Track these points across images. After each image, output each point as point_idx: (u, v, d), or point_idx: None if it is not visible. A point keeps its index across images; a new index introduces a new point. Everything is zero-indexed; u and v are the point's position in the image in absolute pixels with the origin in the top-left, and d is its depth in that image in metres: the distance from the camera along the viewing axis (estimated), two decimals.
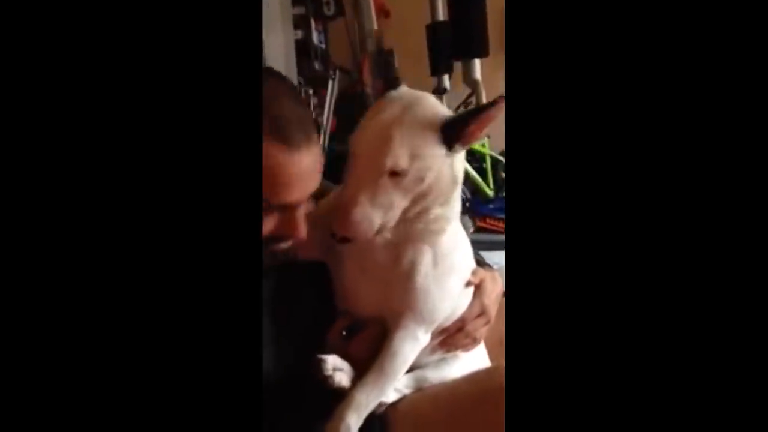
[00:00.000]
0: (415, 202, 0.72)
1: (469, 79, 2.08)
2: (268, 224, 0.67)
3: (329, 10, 2.26)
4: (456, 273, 0.79)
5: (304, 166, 0.67)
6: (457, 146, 0.72)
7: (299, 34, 2.24)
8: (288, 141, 0.65)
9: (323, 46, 2.47)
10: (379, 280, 0.76)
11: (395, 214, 0.70)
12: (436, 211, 0.74)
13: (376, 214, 0.69)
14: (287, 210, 0.67)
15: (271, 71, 0.72)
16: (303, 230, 0.69)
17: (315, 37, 2.35)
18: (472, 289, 0.82)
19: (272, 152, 0.64)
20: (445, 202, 0.75)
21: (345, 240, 0.69)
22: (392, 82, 0.75)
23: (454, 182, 0.74)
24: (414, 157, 0.69)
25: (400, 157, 0.68)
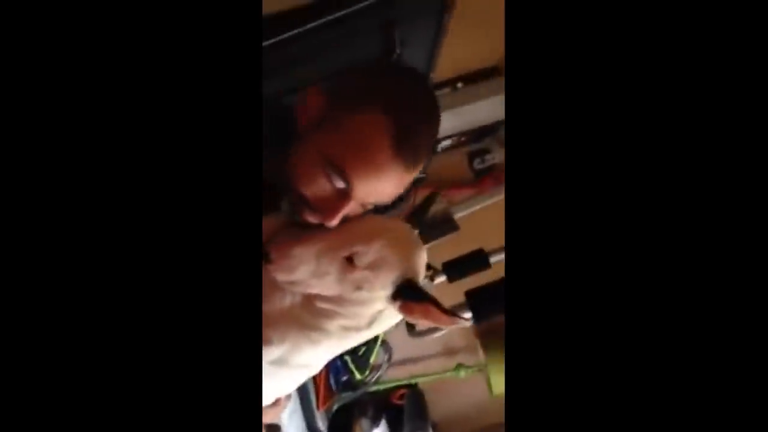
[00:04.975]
0: (324, 302, 0.68)
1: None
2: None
3: None
4: (278, 383, 0.79)
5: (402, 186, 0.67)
6: (395, 305, 0.67)
7: None
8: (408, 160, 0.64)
9: None
10: None
11: (304, 289, 0.68)
12: (334, 323, 0.70)
13: (306, 267, 0.65)
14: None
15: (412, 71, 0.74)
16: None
17: None
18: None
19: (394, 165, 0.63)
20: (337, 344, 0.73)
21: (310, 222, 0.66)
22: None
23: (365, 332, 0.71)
24: (373, 269, 0.65)
25: (365, 257, 0.64)
